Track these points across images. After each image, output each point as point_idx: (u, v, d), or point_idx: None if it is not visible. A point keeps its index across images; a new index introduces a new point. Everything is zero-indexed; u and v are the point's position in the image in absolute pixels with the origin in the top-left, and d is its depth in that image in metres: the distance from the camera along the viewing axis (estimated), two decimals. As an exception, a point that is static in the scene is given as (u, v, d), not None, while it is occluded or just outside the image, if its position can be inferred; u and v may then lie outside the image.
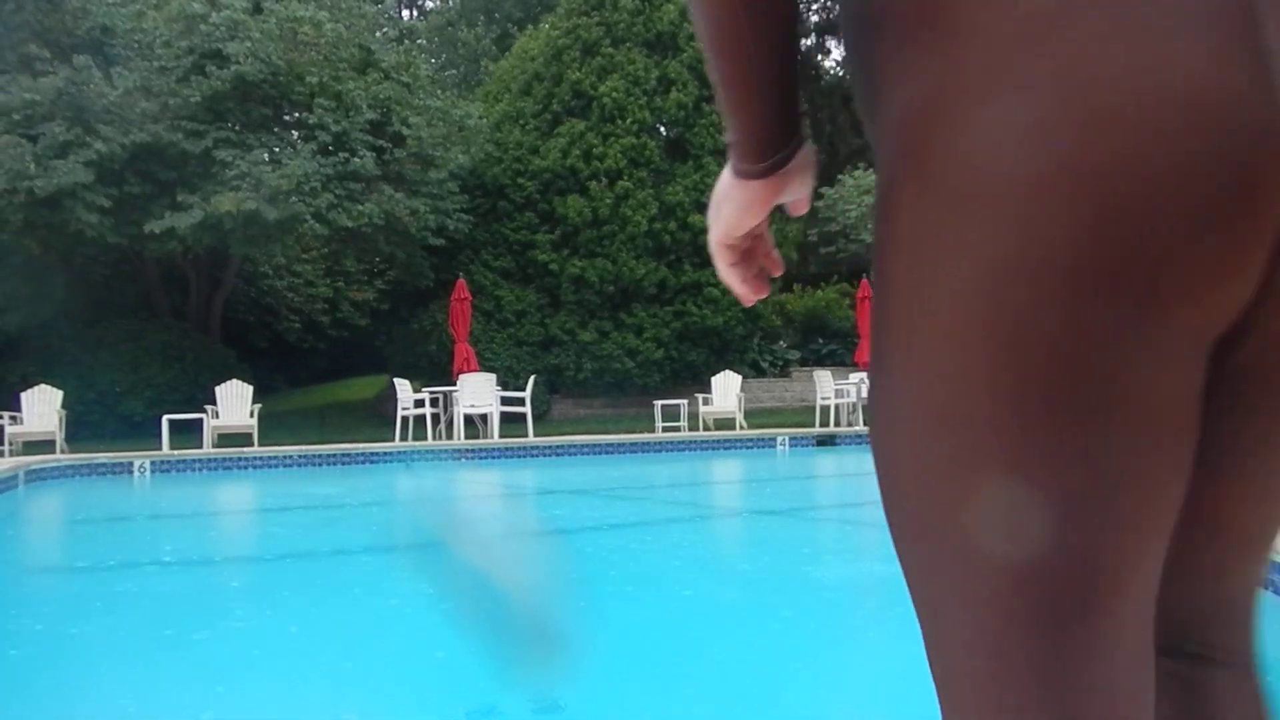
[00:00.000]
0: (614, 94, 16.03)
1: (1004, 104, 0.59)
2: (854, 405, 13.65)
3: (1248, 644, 0.84)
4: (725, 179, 0.82)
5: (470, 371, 12.73)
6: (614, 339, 16.18)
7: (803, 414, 15.33)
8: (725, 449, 12.06)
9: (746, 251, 0.88)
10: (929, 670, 0.71)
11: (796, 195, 0.83)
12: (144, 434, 12.85)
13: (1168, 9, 0.57)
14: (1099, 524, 0.63)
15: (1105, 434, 0.62)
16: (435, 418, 12.60)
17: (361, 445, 11.39)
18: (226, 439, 11.98)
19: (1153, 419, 0.62)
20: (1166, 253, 0.58)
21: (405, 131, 14.46)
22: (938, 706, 0.70)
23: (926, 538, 0.68)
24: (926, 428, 0.65)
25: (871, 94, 0.70)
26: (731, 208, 0.82)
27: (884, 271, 0.67)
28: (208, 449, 11.32)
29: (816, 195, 21.47)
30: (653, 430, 13.10)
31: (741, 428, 13.23)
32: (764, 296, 0.91)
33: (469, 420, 12.28)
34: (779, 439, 12.16)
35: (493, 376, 12.67)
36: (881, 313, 0.67)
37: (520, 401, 12.36)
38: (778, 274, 0.91)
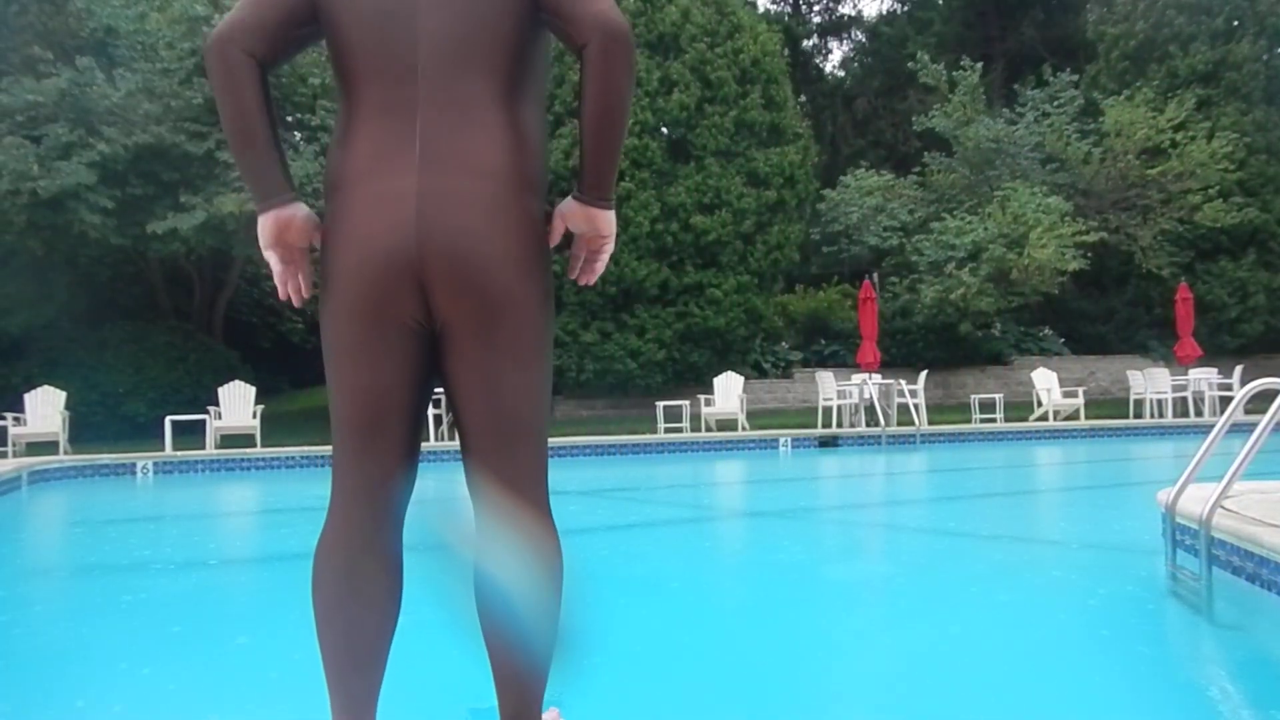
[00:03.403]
0: (616, 95, 16.03)
1: (328, 234, 1.70)
2: (856, 406, 13.64)
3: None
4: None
5: (472, 372, 12.71)
6: (616, 340, 16.18)
7: (805, 415, 15.32)
8: (727, 450, 12.06)
9: (289, 263, 1.74)
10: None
11: (301, 231, 1.72)
12: (147, 435, 12.87)
13: (380, 200, 1.64)
14: (366, 400, 1.70)
15: (357, 362, 1.68)
16: (438, 419, 12.60)
17: (364, 446, 11.37)
18: (229, 440, 12.00)
19: (380, 362, 1.67)
20: (381, 295, 1.64)
21: (408, 132, 14.45)
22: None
23: (329, 384, 1.73)
24: (324, 347, 1.72)
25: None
26: (259, 228, 1.70)
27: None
28: (210, 450, 11.34)
29: (818, 196, 21.53)
30: (655, 431, 13.11)
31: (744, 429, 13.23)
32: (303, 301, 1.81)
33: (471, 421, 12.26)
34: (781, 440, 12.16)
35: (495, 377, 12.64)
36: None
37: (522, 402, 12.34)
38: (296, 300, 1.81)
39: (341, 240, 1.67)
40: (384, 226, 1.63)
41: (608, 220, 1.75)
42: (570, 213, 1.77)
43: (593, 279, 1.87)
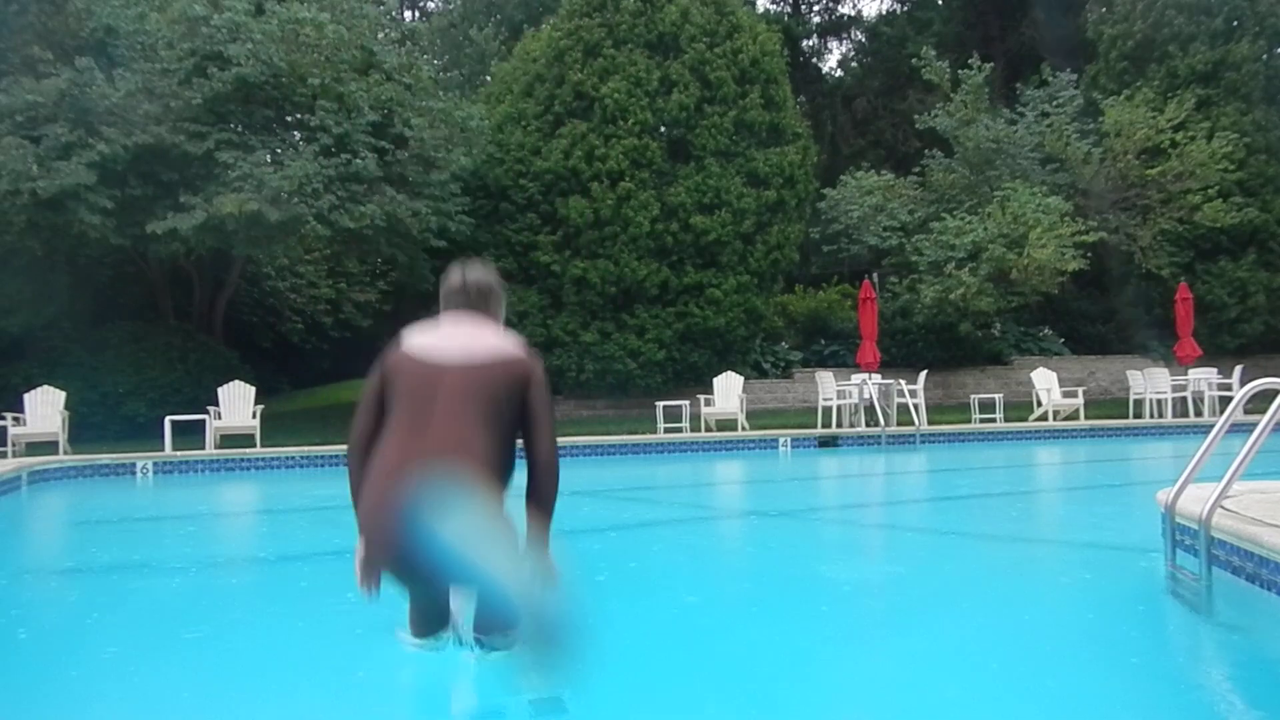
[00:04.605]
0: (616, 95, 16.03)
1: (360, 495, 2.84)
2: (856, 406, 13.64)
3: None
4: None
5: (472, 372, 12.70)
6: (616, 340, 16.18)
7: (805, 415, 15.32)
8: (727, 450, 12.06)
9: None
10: None
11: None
12: (147, 435, 12.86)
13: (390, 499, 2.65)
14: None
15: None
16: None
17: (364, 446, 11.36)
18: (229, 440, 11.99)
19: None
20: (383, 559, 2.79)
21: (407, 133, 14.44)
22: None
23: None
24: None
25: None
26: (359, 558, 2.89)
27: None
28: (210, 450, 11.34)
29: (819, 195, 21.50)
30: (655, 431, 13.11)
31: (743, 429, 13.23)
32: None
33: (471, 421, 12.25)
34: (781, 440, 12.16)
35: (495, 377, 12.63)
36: None
37: (522, 402, 12.33)
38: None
39: (368, 495, 2.73)
40: (396, 484, 2.63)
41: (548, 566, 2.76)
42: None
43: None
